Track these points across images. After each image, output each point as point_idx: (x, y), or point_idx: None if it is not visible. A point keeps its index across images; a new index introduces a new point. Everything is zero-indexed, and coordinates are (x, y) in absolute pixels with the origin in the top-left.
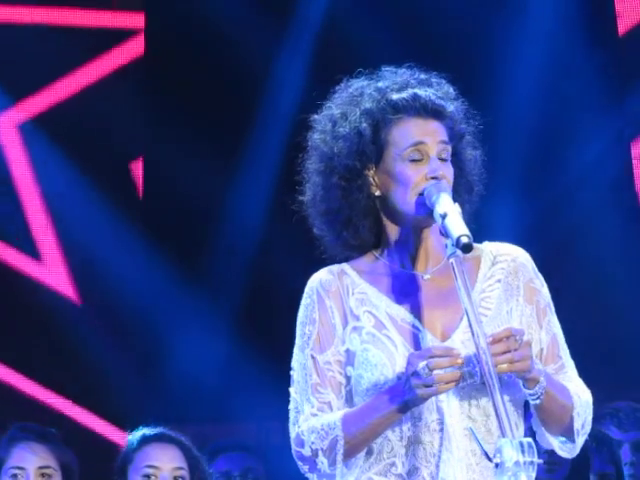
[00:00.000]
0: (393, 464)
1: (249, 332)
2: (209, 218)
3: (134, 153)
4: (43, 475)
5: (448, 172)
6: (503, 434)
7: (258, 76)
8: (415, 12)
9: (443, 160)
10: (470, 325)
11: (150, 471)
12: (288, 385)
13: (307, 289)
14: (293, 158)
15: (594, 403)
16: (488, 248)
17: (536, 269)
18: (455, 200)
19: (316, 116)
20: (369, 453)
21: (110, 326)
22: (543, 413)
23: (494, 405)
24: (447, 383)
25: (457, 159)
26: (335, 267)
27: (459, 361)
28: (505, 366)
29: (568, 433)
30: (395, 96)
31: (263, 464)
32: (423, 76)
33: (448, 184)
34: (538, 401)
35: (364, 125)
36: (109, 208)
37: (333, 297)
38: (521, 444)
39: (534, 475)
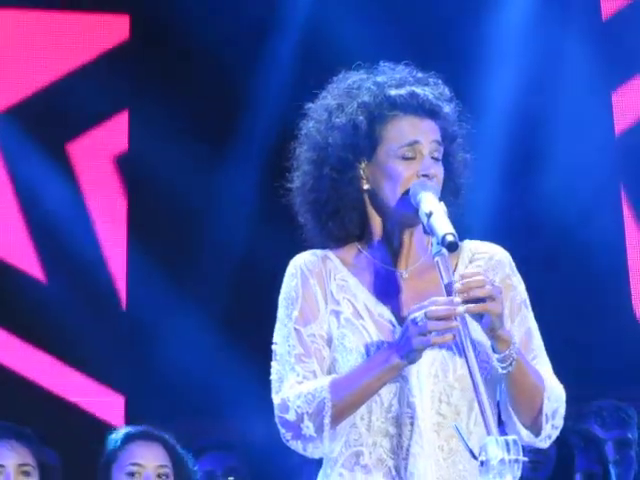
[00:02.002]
0: (360, 454)
1: (234, 329)
2: (195, 214)
3: (119, 145)
4: (23, 473)
5: (439, 172)
6: (488, 432)
7: (245, 70)
8: (399, 11)
9: (435, 160)
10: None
11: (134, 469)
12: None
13: (290, 267)
14: (281, 154)
15: (578, 402)
16: (467, 246)
17: (514, 267)
18: (441, 201)
19: (312, 105)
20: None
21: (96, 322)
22: (515, 388)
23: (479, 403)
24: (443, 335)
25: (447, 161)
26: (319, 251)
27: (460, 309)
28: (475, 306)
29: (538, 418)
30: (393, 92)
31: (247, 463)
32: (420, 75)
33: (438, 184)
34: (510, 368)
35: (360, 118)
36: (94, 203)
37: (316, 277)
38: (506, 442)
39: (519, 474)
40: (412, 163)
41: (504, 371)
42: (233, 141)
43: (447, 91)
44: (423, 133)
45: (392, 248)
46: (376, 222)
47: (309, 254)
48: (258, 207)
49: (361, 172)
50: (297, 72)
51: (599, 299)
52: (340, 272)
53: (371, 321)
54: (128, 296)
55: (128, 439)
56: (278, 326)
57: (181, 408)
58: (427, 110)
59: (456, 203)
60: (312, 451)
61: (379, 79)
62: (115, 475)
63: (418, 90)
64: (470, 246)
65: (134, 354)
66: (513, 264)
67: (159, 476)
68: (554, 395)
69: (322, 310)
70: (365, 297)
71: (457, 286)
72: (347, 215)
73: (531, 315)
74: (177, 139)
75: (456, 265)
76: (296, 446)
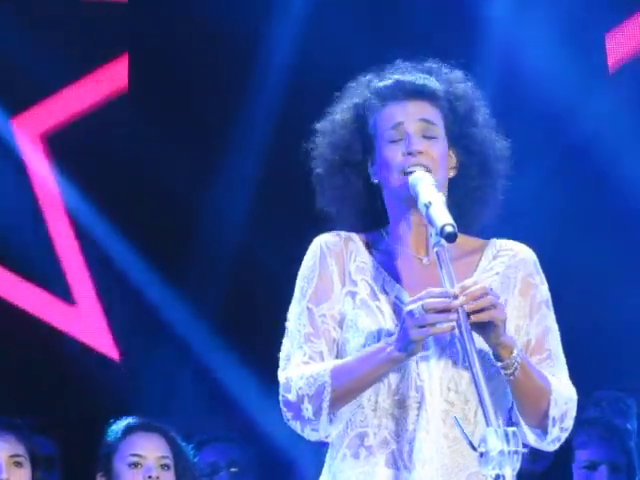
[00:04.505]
0: (365, 435)
1: (233, 322)
2: (191, 217)
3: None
4: (15, 463)
5: (434, 149)
6: (487, 423)
7: (242, 73)
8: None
9: (428, 138)
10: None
11: (135, 460)
12: (272, 378)
13: (312, 246)
14: (275, 156)
15: (580, 392)
16: (494, 243)
17: (538, 266)
18: (468, 184)
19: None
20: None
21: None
22: (520, 392)
23: (478, 394)
24: (441, 326)
25: (465, 142)
26: (343, 232)
27: (456, 303)
28: (479, 315)
29: (543, 421)
30: (379, 84)
31: (249, 455)
32: (433, 65)
33: (432, 161)
34: (515, 373)
35: (348, 117)
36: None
37: (335, 257)
38: (506, 433)
39: (518, 465)
40: (399, 144)
41: (509, 377)
42: (232, 139)
43: (457, 73)
44: (407, 114)
45: (412, 235)
46: (393, 211)
47: (332, 234)
48: (255, 208)
49: (369, 168)
50: (294, 77)
51: (601, 294)
52: (361, 254)
53: (387, 303)
54: (126, 287)
55: (129, 430)
56: (292, 303)
57: (183, 400)
58: (411, 92)
59: (491, 184)
60: (309, 433)
61: (368, 77)
62: (116, 466)
63: (402, 77)
64: (497, 243)
65: (133, 348)
66: (538, 263)
67: (161, 467)
68: (562, 398)
69: (337, 290)
70: (384, 279)
71: (461, 299)
72: (351, 213)
73: (552, 315)
74: (175, 137)
75: (479, 260)
76: (295, 426)
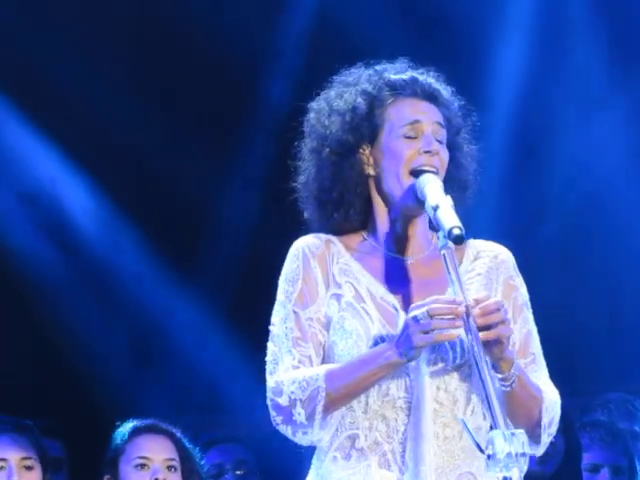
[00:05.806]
0: (356, 437)
1: (242, 323)
2: (204, 206)
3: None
4: (25, 467)
5: (443, 153)
6: (495, 425)
7: (250, 73)
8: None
9: (439, 142)
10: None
11: (142, 462)
12: None
13: (293, 249)
14: (286, 147)
15: (589, 394)
16: (473, 244)
17: (517, 268)
18: (447, 194)
19: (312, 103)
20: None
21: (103, 317)
22: (514, 402)
23: (487, 395)
24: (446, 333)
25: (453, 155)
26: (322, 235)
27: (461, 309)
28: (487, 333)
29: (535, 429)
30: (393, 76)
31: (255, 456)
32: (420, 71)
33: (441, 164)
34: (513, 385)
35: (359, 100)
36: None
37: (318, 259)
38: (513, 435)
39: (526, 467)
40: (414, 142)
41: (507, 389)
42: (242, 134)
43: (447, 87)
44: (424, 113)
45: (396, 236)
46: (380, 209)
47: (312, 237)
48: (266, 202)
49: (364, 157)
50: (304, 74)
51: (609, 297)
52: (343, 256)
53: (373, 304)
54: (136, 290)
55: (135, 432)
56: (277, 307)
57: (190, 402)
58: (428, 93)
59: (463, 197)
60: (301, 437)
61: (378, 68)
62: (123, 468)
63: (418, 75)
64: (474, 244)
65: (141, 349)
66: (516, 265)
67: (167, 468)
68: (551, 404)
69: (321, 293)
70: (368, 281)
71: (475, 311)
72: (352, 202)
73: (531, 317)
74: (186, 133)
75: (461, 261)
76: (285, 431)
